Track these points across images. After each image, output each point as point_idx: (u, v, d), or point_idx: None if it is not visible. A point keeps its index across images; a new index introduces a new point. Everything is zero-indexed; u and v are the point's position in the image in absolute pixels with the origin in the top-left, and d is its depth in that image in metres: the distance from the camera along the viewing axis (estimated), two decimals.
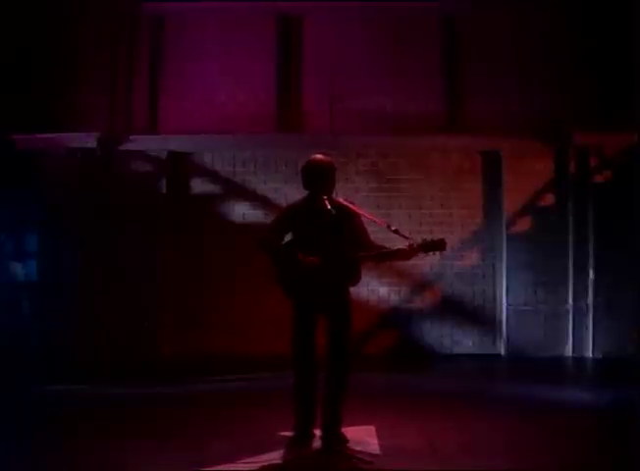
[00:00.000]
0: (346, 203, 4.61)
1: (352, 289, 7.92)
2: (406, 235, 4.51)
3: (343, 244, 4.53)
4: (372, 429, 5.01)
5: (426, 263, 8.48)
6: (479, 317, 8.56)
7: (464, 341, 8.54)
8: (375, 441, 4.77)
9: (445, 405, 5.90)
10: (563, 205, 8.35)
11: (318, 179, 4.58)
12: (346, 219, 4.58)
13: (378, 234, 4.77)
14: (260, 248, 4.66)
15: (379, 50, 8.60)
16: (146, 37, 8.67)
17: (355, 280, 4.62)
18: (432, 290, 8.59)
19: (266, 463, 4.36)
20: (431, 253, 4.54)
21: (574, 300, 8.28)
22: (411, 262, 8.22)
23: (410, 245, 4.46)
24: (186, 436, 4.97)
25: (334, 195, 4.65)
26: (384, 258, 4.62)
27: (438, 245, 4.51)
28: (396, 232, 4.51)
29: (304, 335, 4.66)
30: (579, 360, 8.13)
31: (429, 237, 4.57)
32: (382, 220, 4.62)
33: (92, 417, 5.59)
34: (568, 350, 8.30)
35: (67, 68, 8.41)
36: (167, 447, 4.71)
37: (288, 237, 4.72)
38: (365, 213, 4.69)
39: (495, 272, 8.55)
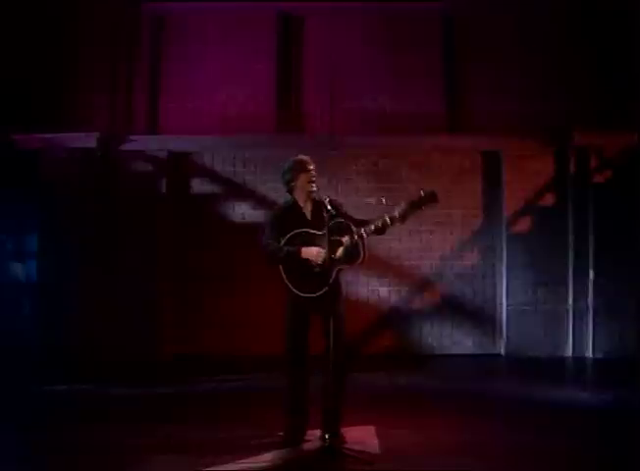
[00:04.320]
0: (329, 198, 4.66)
1: (353, 289, 7.98)
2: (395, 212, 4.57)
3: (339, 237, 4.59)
4: (372, 429, 5.02)
5: (426, 263, 8.50)
6: (479, 317, 8.56)
7: (464, 341, 8.54)
8: (375, 441, 4.78)
9: (445, 405, 5.91)
10: (563, 205, 8.34)
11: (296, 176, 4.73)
12: (338, 212, 4.65)
13: None
14: (270, 260, 4.68)
15: (379, 50, 8.60)
16: (146, 37, 8.67)
17: (363, 257, 4.60)
18: (432, 290, 8.58)
19: (266, 463, 4.37)
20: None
21: (574, 300, 8.28)
22: (411, 262, 8.40)
23: (402, 209, 4.56)
24: (186, 436, 4.97)
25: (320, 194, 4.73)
26: (381, 228, 4.59)
27: (429, 198, 4.55)
28: (386, 203, 4.57)
29: (299, 334, 4.71)
30: (579, 360, 8.12)
31: (421, 193, 4.60)
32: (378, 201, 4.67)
33: (92, 417, 5.59)
34: (568, 350, 8.29)
35: (67, 68, 8.41)
36: (167, 447, 4.72)
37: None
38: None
39: (495, 272, 8.55)
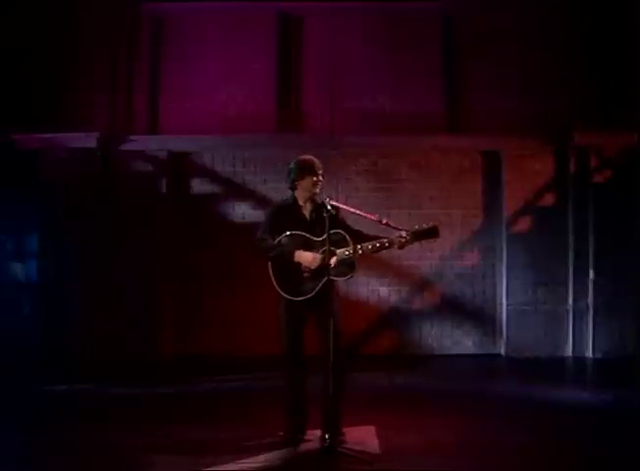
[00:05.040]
0: (330, 201, 4.66)
1: (353, 289, 8.00)
2: (398, 226, 4.60)
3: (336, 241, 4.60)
4: (372, 429, 5.02)
5: (426, 263, 8.50)
6: (479, 317, 8.56)
7: (464, 341, 8.54)
8: (375, 441, 4.78)
9: (445, 405, 5.91)
10: (563, 205, 8.34)
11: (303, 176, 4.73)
12: (335, 216, 4.66)
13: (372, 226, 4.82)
14: (261, 255, 4.69)
15: (379, 50, 8.60)
16: (146, 37, 8.66)
17: (353, 273, 4.63)
18: (432, 290, 8.58)
19: (266, 463, 4.37)
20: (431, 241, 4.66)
21: (574, 300, 8.28)
22: (411, 262, 8.40)
23: (402, 237, 4.57)
24: (186, 436, 4.97)
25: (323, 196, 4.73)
26: (377, 250, 4.64)
27: (430, 233, 4.57)
28: (387, 225, 4.57)
29: (294, 333, 4.72)
30: (579, 360, 8.12)
31: (422, 225, 4.62)
32: (372, 215, 4.66)
33: (92, 417, 5.60)
34: (568, 350, 8.29)
35: (67, 68, 8.41)
36: (167, 447, 4.72)
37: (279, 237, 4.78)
38: (355, 211, 4.75)
39: (495, 272, 8.55)
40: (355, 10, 8.67)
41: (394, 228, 4.62)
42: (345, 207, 4.82)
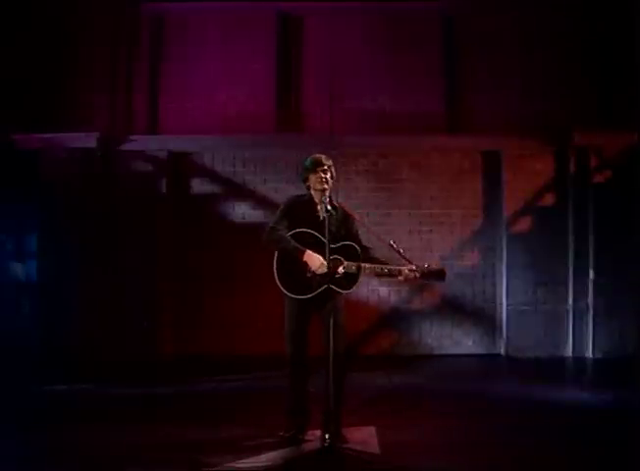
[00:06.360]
0: (345, 207, 4.68)
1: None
2: (407, 257, 4.64)
3: (343, 247, 4.63)
4: (372, 429, 5.01)
5: (426, 263, 8.48)
6: (479, 317, 8.56)
7: (464, 341, 8.54)
8: (375, 441, 4.78)
9: (444, 405, 5.91)
10: (563, 205, 8.34)
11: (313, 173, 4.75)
12: (346, 222, 4.69)
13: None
14: (270, 245, 4.69)
15: (379, 50, 8.61)
16: (146, 37, 8.66)
17: (353, 289, 4.67)
18: (432, 290, 8.58)
19: (266, 463, 4.37)
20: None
21: (574, 300, 8.28)
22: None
23: (412, 270, 4.62)
24: (186, 436, 4.97)
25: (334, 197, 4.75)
26: (382, 274, 4.69)
27: (438, 275, 4.66)
28: (399, 253, 4.60)
29: (299, 334, 4.71)
30: (579, 360, 8.12)
31: (432, 265, 4.70)
32: (385, 241, 4.67)
33: (92, 417, 5.59)
34: (568, 350, 8.29)
35: (67, 68, 8.41)
36: (166, 447, 4.72)
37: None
38: (371, 231, 4.79)
39: (495, 272, 8.55)
40: (355, 10, 8.68)
41: (404, 258, 4.63)
42: (360, 220, 4.83)
